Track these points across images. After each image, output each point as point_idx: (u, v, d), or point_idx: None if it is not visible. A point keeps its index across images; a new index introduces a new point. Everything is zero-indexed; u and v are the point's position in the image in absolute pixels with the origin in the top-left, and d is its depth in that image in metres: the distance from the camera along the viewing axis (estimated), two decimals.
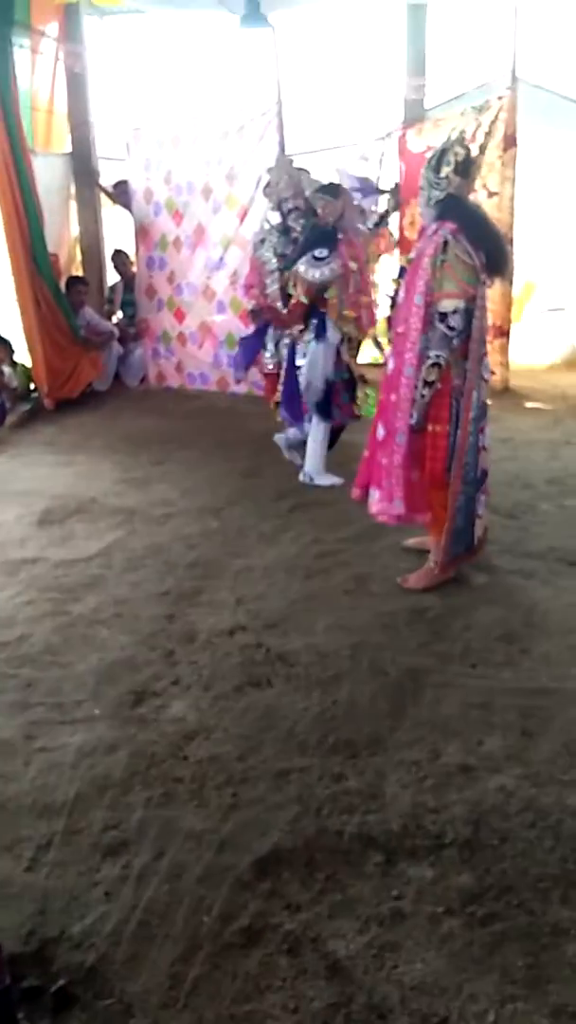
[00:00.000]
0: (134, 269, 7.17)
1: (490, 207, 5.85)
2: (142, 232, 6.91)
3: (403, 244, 6.52)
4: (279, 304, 5.16)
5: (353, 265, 4.37)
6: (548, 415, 5.94)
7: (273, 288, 5.16)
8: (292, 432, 4.84)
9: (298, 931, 1.90)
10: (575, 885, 2.01)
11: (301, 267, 4.36)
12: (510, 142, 5.79)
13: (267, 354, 5.40)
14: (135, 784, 2.38)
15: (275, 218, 5.17)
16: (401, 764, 2.44)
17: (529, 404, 6.19)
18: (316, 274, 4.29)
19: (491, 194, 5.85)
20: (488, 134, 5.66)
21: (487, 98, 5.92)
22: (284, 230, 5.06)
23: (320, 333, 4.46)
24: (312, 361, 4.52)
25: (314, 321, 4.53)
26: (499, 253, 3.24)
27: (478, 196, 5.92)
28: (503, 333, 6.14)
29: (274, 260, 5.08)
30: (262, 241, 5.20)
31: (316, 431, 4.65)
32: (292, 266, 5.02)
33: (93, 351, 6.69)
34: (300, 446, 4.82)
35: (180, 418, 6.15)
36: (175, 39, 8.08)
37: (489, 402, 3.46)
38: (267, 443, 5.42)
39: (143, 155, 6.74)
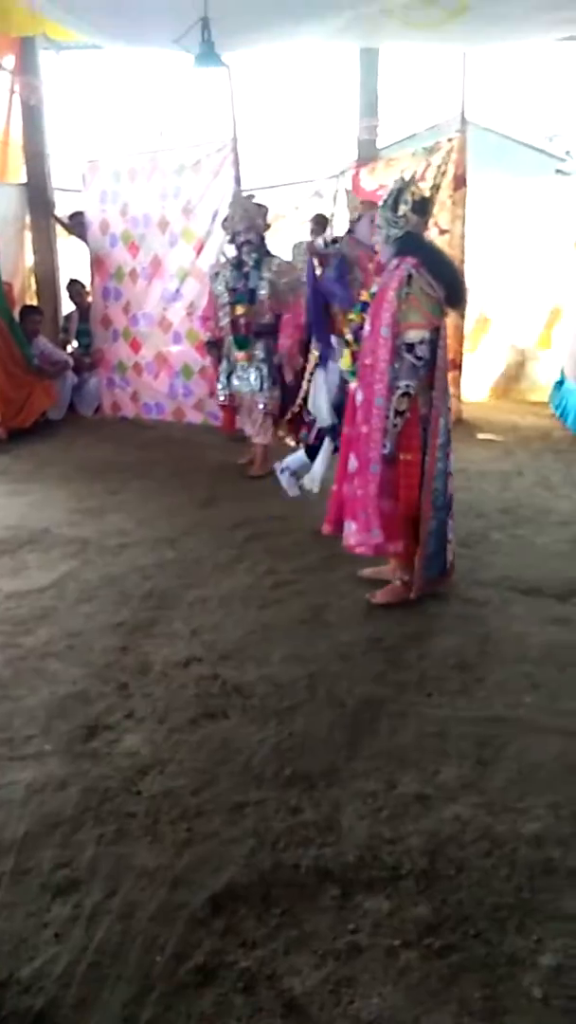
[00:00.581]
0: (89, 299, 7.18)
1: (441, 244, 5.98)
2: (98, 263, 6.93)
3: None
4: (229, 338, 5.15)
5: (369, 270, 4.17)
6: (499, 446, 6.05)
7: (225, 321, 5.17)
8: (292, 460, 4.58)
9: (253, 968, 1.87)
10: (531, 914, 2.01)
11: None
12: (460, 182, 5.96)
13: (219, 386, 5.43)
14: (87, 821, 2.33)
15: (231, 251, 5.23)
16: (357, 795, 2.43)
17: (481, 435, 6.30)
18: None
19: (442, 231, 5.99)
20: (440, 174, 5.82)
21: (438, 139, 6.10)
22: (237, 264, 5.11)
23: (324, 358, 4.24)
24: (317, 390, 4.32)
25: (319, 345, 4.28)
26: (457, 286, 3.37)
27: (430, 233, 6.08)
28: (456, 366, 6.25)
29: (226, 294, 5.10)
30: (216, 274, 5.24)
31: (326, 448, 4.39)
32: (243, 300, 5.04)
33: (47, 380, 6.65)
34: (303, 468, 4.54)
35: (135, 448, 6.13)
36: (131, 74, 8.19)
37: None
38: (223, 473, 5.44)
39: (99, 187, 6.78)
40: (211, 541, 4.33)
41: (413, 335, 3.23)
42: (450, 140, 5.99)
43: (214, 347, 5.43)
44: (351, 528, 3.45)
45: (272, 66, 7.43)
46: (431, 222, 5.89)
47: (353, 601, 3.60)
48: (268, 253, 5.13)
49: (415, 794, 2.43)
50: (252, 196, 5.35)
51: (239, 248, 5.11)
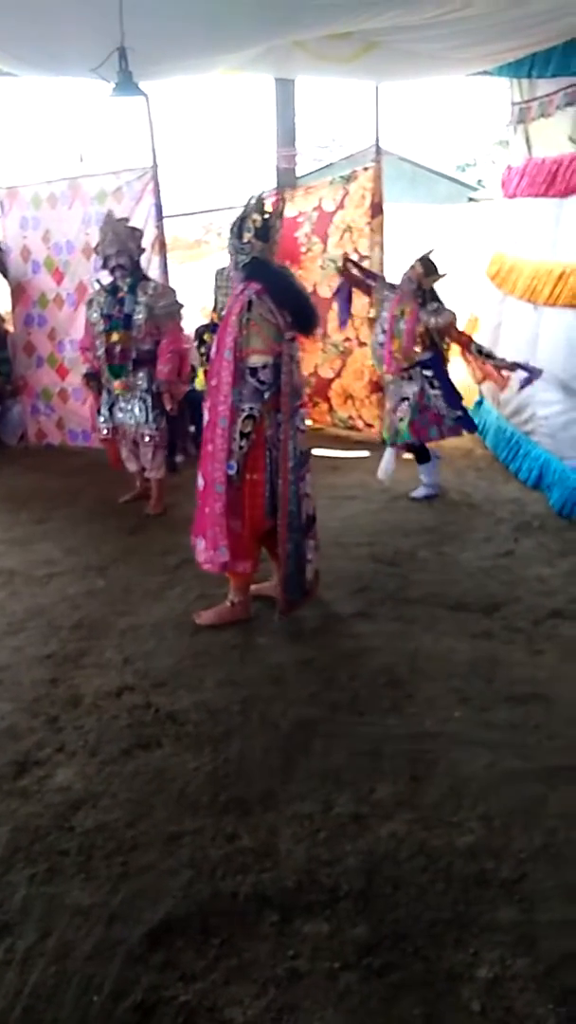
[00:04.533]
0: (8, 327, 7.06)
1: None
2: (19, 290, 6.83)
3: None
4: (105, 367, 4.94)
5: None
6: None
7: (101, 351, 4.93)
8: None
9: (193, 1002, 1.85)
10: (467, 927, 2.05)
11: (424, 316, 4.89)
12: (377, 209, 6.11)
13: (100, 419, 5.13)
14: (17, 861, 2.27)
15: (106, 278, 5.09)
16: (294, 818, 2.44)
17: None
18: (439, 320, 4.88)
19: (362, 257, 6.12)
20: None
21: (354, 169, 6.26)
22: (112, 289, 4.91)
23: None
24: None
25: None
26: (304, 311, 3.45)
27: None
28: (379, 388, 6.37)
29: (101, 322, 4.90)
30: (91, 302, 5.03)
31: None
32: (118, 326, 4.86)
33: None
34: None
35: (62, 475, 6.03)
36: (48, 100, 8.16)
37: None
38: (151, 500, 5.38)
39: (19, 214, 6.71)
40: (141, 568, 4.29)
41: (256, 360, 3.34)
42: (366, 169, 6.15)
43: (93, 379, 5.13)
44: (200, 546, 3.53)
45: (193, 95, 7.52)
46: (351, 248, 6.10)
47: (284, 623, 3.62)
48: (144, 277, 5.01)
49: (351, 814, 2.45)
50: (125, 219, 5.21)
51: (112, 273, 4.92)
